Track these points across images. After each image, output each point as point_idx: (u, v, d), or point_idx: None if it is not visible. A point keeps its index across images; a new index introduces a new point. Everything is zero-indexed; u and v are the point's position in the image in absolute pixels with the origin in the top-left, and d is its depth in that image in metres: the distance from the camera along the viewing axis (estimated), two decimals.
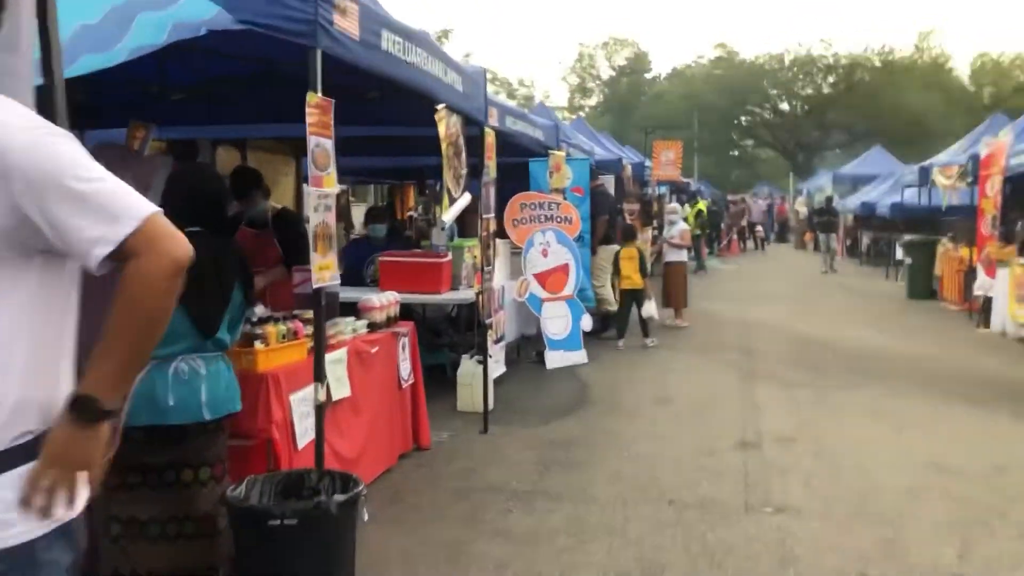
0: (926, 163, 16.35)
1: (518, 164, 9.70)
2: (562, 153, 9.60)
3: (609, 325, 10.90)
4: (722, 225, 27.84)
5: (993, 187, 11.26)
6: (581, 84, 71.38)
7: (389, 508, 4.71)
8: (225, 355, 3.35)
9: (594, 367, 8.89)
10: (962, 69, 55.14)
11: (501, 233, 8.95)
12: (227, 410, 3.31)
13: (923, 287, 15.68)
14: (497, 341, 7.85)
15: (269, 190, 6.08)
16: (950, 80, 52.58)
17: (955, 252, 14.56)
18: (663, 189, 21.29)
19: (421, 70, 4.57)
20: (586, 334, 9.39)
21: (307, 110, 3.31)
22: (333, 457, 4.55)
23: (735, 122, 55.71)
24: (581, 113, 64.48)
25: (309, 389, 4.26)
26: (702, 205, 21.59)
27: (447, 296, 7.31)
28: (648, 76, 66.05)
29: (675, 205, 12.31)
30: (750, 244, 30.75)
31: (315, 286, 3.49)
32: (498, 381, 7.67)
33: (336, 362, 4.59)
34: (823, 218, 22.08)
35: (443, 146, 5.03)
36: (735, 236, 28.19)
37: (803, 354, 9.86)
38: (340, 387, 4.61)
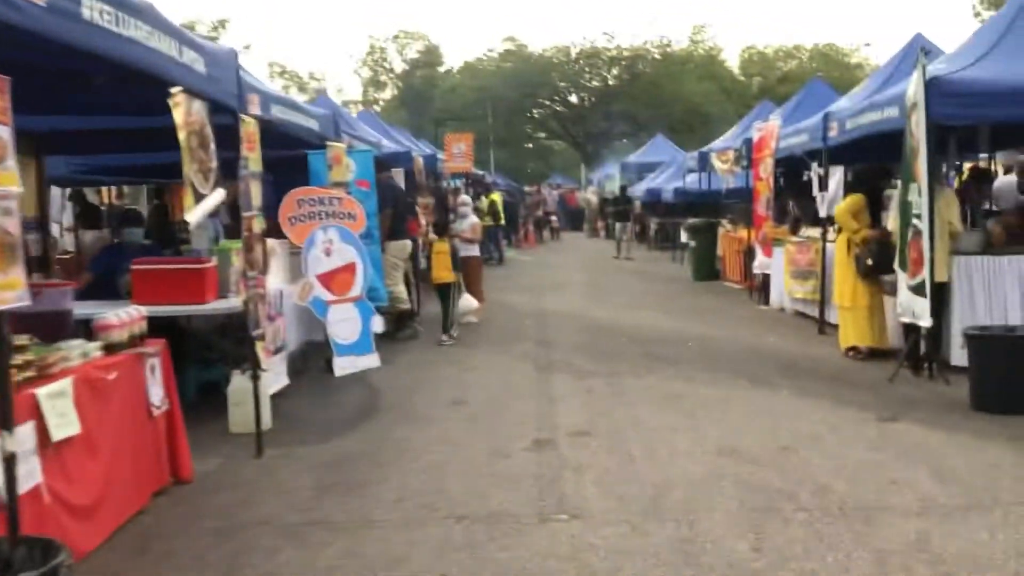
0: (704, 149, 17.01)
1: (296, 157, 9.03)
2: (342, 145, 9.03)
3: (404, 325, 10.45)
4: (519, 217, 28.05)
5: (766, 170, 11.73)
6: (374, 77, 70.35)
7: (135, 560, 4.03)
8: None
9: (387, 371, 8.40)
10: (734, 61, 58.95)
11: (278, 232, 8.29)
12: None
13: (707, 269, 16.29)
14: (276, 351, 7.21)
15: None
16: (723, 71, 55.96)
17: (735, 233, 15.20)
18: (458, 182, 21.08)
19: (145, 46, 3.92)
20: (379, 336, 8.89)
21: None
22: (61, 508, 3.83)
23: (527, 115, 56.68)
24: (376, 107, 63.60)
25: (19, 430, 3.54)
26: (495, 196, 21.55)
27: (212, 306, 6.58)
28: (441, 70, 65.99)
29: (465, 197, 12.00)
30: (546, 234, 31.23)
31: None
32: (280, 395, 7.05)
33: (57, 396, 3.86)
34: (618, 207, 22.56)
35: (182, 136, 4.38)
36: (531, 227, 28.49)
37: (597, 341, 9.83)
38: (65, 425, 3.88)
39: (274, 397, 6.82)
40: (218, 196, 4.97)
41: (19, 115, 6.79)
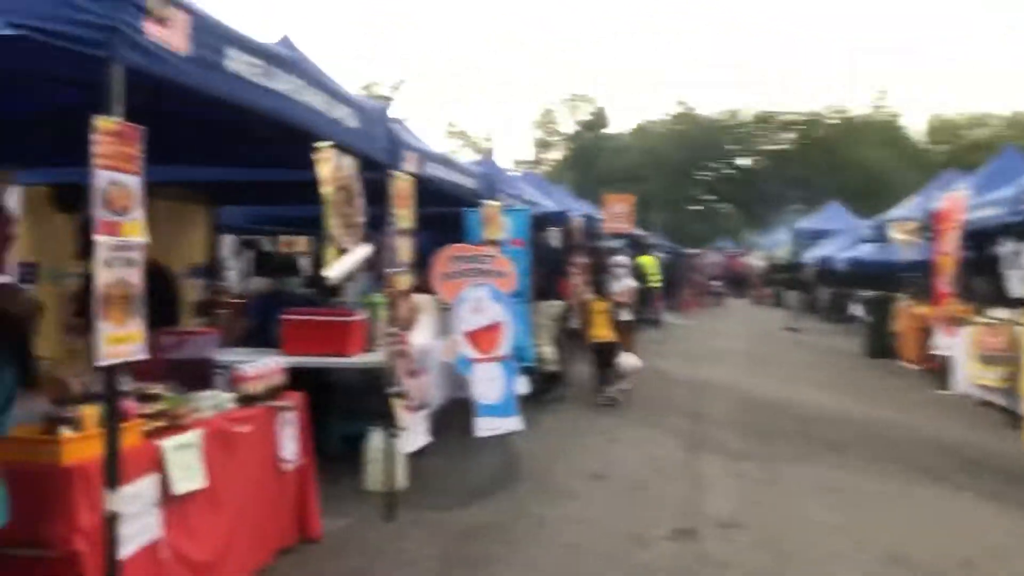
0: (883, 218, 16.01)
1: (452, 214, 9.05)
2: (496, 204, 8.97)
3: (550, 387, 10.19)
4: (680, 280, 27.40)
5: (951, 242, 10.81)
6: (544, 139, 71.75)
7: None
8: None
9: (529, 435, 8.13)
10: (916, 127, 56.21)
11: (430, 288, 8.27)
12: None
13: (880, 345, 15.19)
14: (418, 408, 7.11)
15: None
16: (904, 138, 53.47)
17: (913, 309, 14.12)
18: (616, 243, 20.82)
19: (292, 100, 3.90)
20: (523, 397, 8.68)
21: (95, 137, 2.61)
22: (181, 564, 3.77)
23: (695, 177, 55.98)
24: (544, 167, 64.65)
25: (139, 484, 3.50)
26: (647, 259, 21.03)
27: (357, 359, 6.56)
28: (607, 131, 66.47)
29: (621, 259, 11.62)
30: (709, 299, 30.35)
31: (102, 362, 2.74)
32: (420, 454, 6.90)
33: (184, 447, 3.82)
34: (788, 274, 21.32)
35: (327, 190, 4.34)
36: (692, 291, 27.75)
37: (754, 419, 9.21)
38: (189, 478, 3.84)
39: (413, 455, 6.69)
40: (362, 252, 4.92)
41: (194, 167, 7.16)
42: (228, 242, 12.94)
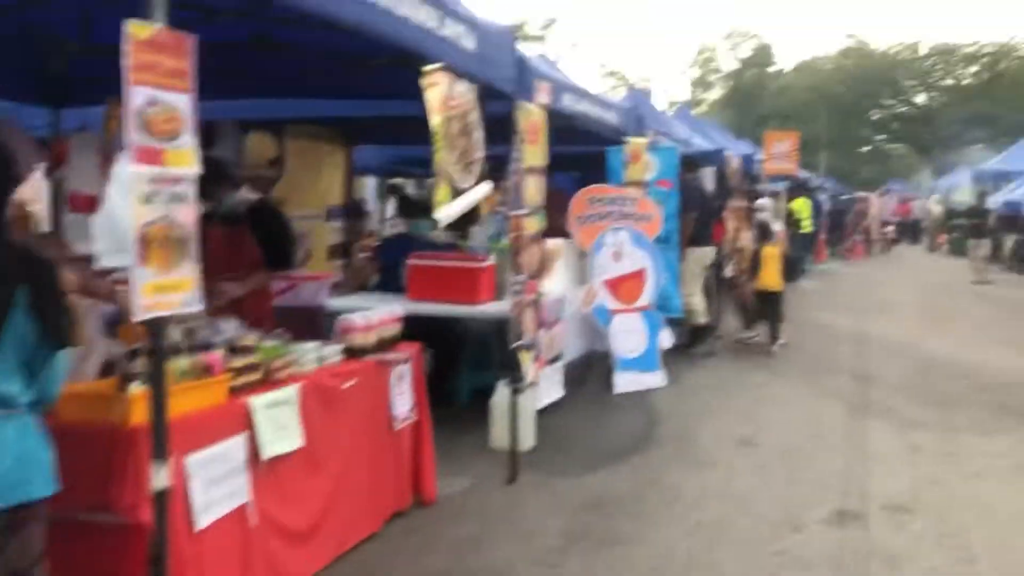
0: None
1: (594, 153, 8.43)
2: (643, 140, 8.26)
3: (700, 340, 9.48)
4: (845, 225, 25.64)
5: None
6: (703, 78, 69.03)
7: None
8: (24, 413, 2.26)
9: (672, 392, 7.53)
10: None
11: (565, 232, 7.73)
12: (17, 499, 2.23)
13: None
14: (551, 361, 6.64)
15: (240, 180, 5.03)
16: None
17: None
18: (779, 185, 19.51)
19: (391, 14, 3.37)
20: (668, 351, 8.06)
21: (126, 48, 2.19)
22: (272, 531, 3.45)
23: (866, 116, 52.39)
24: (702, 108, 62.25)
25: (223, 445, 3.18)
26: (799, 202, 19.55)
27: (485, 308, 6.12)
28: (772, 70, 63.18)
29: (765, 200, 10.54)
30: (878, 247, 28.29)
31: (143, 316, 2.35)
32: (551, 409, 6.47)
33: (277, 405, 3.48)
34: (972, 220, 19.05)
35: (436, 120, 3.84)
36: (860, 236, 25.89)
37: (930, 382, 8.21)
38: (284, 438, 3.50)
39: (544, 412, 6.25)
40: (480, 191, 4.42)
41: (322, 101, 6.79)
42: (371, 184, 12.81)
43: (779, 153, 15.50)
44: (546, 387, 6.56)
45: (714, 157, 12.33)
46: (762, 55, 65.15)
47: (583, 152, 8.35)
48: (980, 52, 45.98)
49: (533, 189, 5.60)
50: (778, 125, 29.06)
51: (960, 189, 31.78)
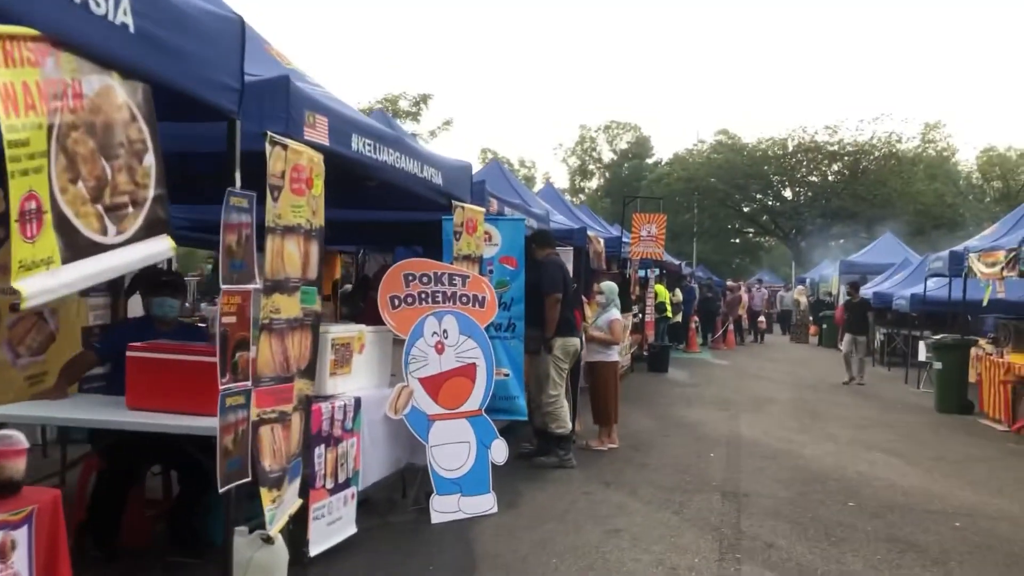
0: (958, 248, 13.62)
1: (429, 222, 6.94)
2: (478, 209, 6.86)
3: (552, 449, 7.98)
4: (717, 314, 25.03)
5: None
6: (582, 166, 69.85)
7: None
8: None
9: (505, 522, 5.97)
10: (968, 162, 53.46)
11: (376, 317, 6.17)
12: None
13: (956, 399, 12.76)
14: (335, 489, 5.00)
15: None
16: (957, 172, 50.71)
17: (998, 358, 11.72)
18: (651, 272, 18.61)
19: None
20: (513, 461, 6.54)
21: None
22: None
23: (736, 208, 53.54)
24: (582, 196, 62.50)
25: None
26: (660, 289, 18.77)
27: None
28: (650, 161, 64.50)
29: (608, 284, 9.24)
30: (750, 337, 27.85)
31: None
32: (339, 552, 4.81)
33: None
34: (853, 313, 16.61)
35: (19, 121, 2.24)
36: (731, 327, 25.33)
37: (811, 502, 6.93)
38: None
39: (329, 555, 4.58)
40: (141, 252, 2.80)
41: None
42: None
43: (647, 236, 14.50)
44: (327, 525, 4.89)
45: (578, 236, 11.11)
46: (640, 146, 66.55)
47: (428, 220, 6.91)
48: (843, 150, 47.67)
49: (294, 255, 4.05)
50: (652, 211, 28.68)
51: (826, 281, 32.02)
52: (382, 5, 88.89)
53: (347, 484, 5.18)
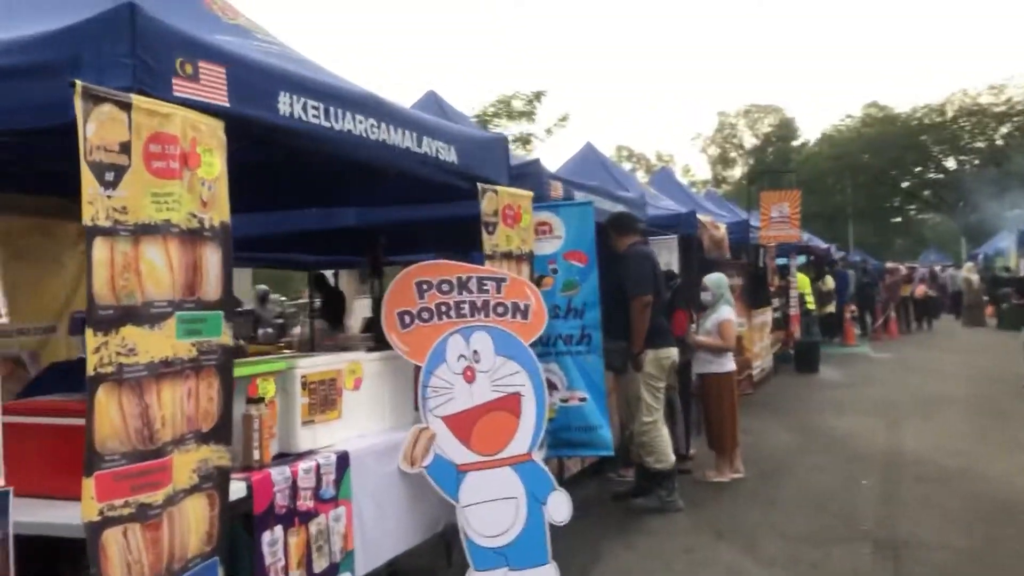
0: None
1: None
2: (520, 192, 5.38)
3: (651, 487, 6.40)
4: (875, 301, 22.42)
5: None
6: (723, 155, 66.88)
7: None
8: None
9: None
10: None
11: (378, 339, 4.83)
12: None
13: None
14: None
15: None
16: None
17: None
18: (793, 258, 16.50)
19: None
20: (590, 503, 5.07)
21: None
22: None
23: (894, 184, 49.49)
24: (725, 185, 59.65)
25: None
26: (801, 278, 16.61)
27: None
28: (796, 143, 60.94)
29: (714, 277, 7.51)
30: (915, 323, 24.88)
31: None
32: None
33: None
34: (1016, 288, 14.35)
35: None
36: (892, 313, 22.61)
37: (1004, 554, 5.06)
38: None
39: None
40: None
41: None
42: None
43: (779, 217, 12.55)
44: None
45: (684, 222, 9.43)
46: (785, 128, 62.93)
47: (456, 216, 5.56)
48: (1011, 110, 43.08)
49: (156, 267, 2.75)
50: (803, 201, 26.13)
51: (1005, 255, 28.53)
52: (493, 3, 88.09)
53: (333, 572, 3.84)
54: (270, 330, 11.49)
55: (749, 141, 65.71)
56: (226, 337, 3.07)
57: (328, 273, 11.62)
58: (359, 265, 10.05)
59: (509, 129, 28.08)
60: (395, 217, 6.46)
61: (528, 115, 28.64)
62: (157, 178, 2.78)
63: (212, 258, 3.01)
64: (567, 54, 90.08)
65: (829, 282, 20.26)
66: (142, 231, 2.72)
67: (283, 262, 9.85)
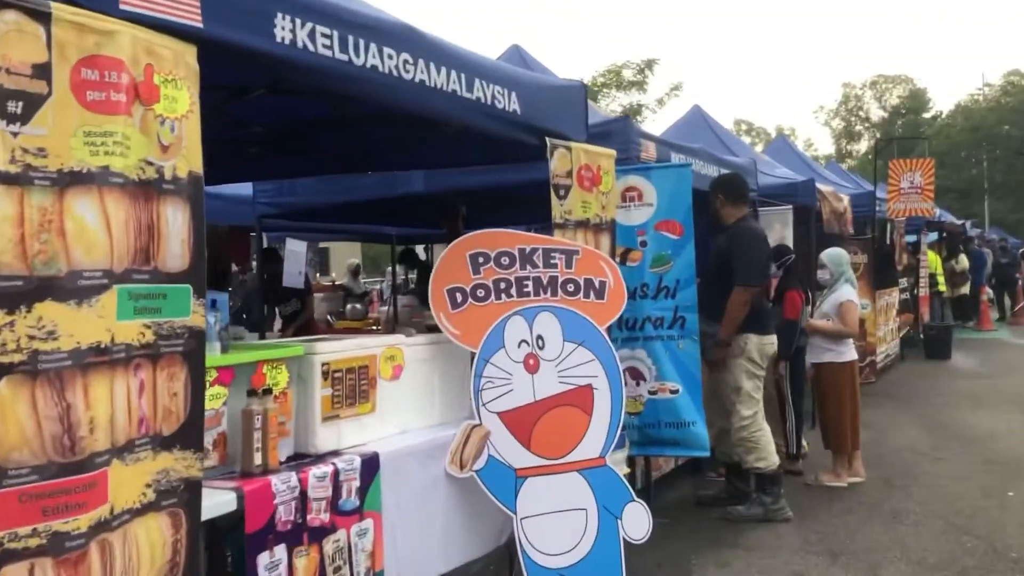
0: None
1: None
2: (600, 150, 4.61)
3: (753, 493, 5.57)
4: (1015, 282, 20.53)
5: None
6: (848, 128, 63.60)
7: None
8: None
9: None
10: None
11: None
12: None
13: None
14: None
15: None
16: None
17: None
18: (923, 234, 15.07)
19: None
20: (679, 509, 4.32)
21: None
22: None
23: None
24: (850, 160, 56.68)
25: None
26: (931, 259, 15.06)
27: None
28: (927, 115, 57.35)
29: (833, 252, 6.47)
30: None
31: None
32: None
33: None
34: None
35: None
36: None
37: None
38: None
39: None
40: None
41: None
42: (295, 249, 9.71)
43: (910, 188, 11.29)
44: None
45: (801, 191, 8.44)
46: (915, 99, 59.29)
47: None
48: None
49: (88, 228, 2.14)
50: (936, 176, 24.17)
51: None
52: None
53: None
54: (358, 306, 11.04)
55: (876, 114, 62.18)
56: (196, 317, 2.45)
57: (420, 248, 11.10)
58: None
59: (618, 100, 27.08)
60: (468, 183, 5.82)
61: (639, 85, 27.53)
62: (92, 113, 2.16)
63: (175, 217, 2.38)
64: (681, 21, 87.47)
65: (963, 261, 18.60)
66: (69, 180, 2.11)
67: (365, 235, 9.32)
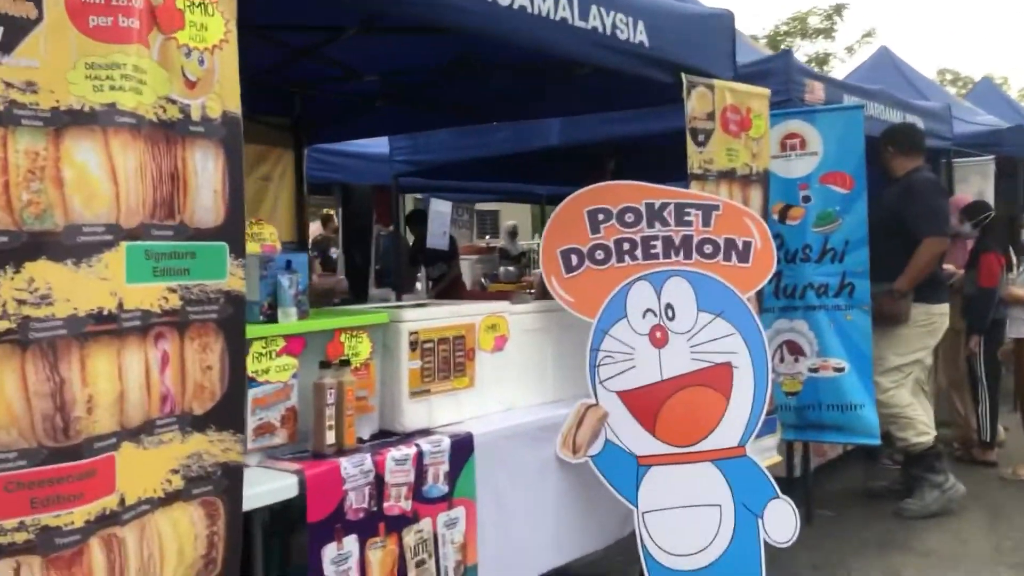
0: None
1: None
2: (750, 89, 3.98)
3: (918, 477, 4.82)
4: None
5: None
6: None
7: None
8: None
9: None
10: None
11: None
12: None
13: None
14: None
15: None
16: None
17: None
18: None
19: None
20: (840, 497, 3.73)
21: None
22: None
23: None
24: None
25: None
26: None
27: None
28: None
29: None
30: None
31: None
32: None
33: None
34: None
35: None
36: None
37: None
38: None
39: None
40: None
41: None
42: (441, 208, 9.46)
43: None
44: None
45: (1009, 139, 7.34)
46: None
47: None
48: None
49: (90, 175, 1.86)
50: None
51: None
52: None
53: None
54: (511, 268, 10.77)
55: None
56: (234, 280, 2.13)
57: None
58: None
59: (803, 50, 25.36)
60: (612, 132, 5.31)
61: (826, 32, 25.63)
62: (96, 41, 1.86)
63: (205, 164, 2.06)
64: None
65: None
66: (67, 120, 1.82)
67: (508, 193, 8.98)
